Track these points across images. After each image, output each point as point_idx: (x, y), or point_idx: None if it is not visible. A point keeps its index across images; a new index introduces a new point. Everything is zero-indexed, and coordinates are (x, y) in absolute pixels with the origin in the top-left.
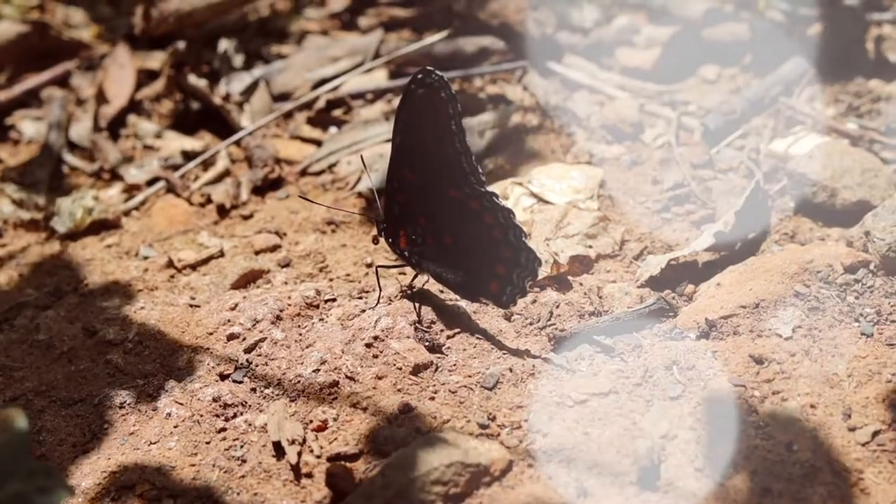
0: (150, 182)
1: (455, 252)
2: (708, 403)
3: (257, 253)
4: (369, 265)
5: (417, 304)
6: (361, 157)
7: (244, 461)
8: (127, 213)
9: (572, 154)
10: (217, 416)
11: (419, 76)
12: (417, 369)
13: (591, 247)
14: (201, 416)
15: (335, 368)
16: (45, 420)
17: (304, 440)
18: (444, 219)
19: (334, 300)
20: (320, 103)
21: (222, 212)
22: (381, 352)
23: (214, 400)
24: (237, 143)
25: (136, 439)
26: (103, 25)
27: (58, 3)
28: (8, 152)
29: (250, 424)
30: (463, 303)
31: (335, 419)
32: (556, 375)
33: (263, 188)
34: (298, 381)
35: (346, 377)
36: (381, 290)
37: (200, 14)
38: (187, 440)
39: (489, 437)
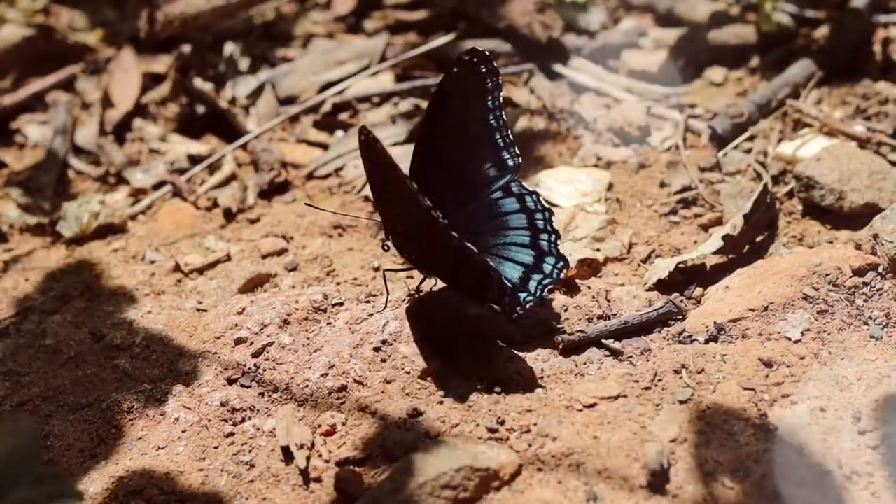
0: (157, 186)
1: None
2: (717, 407)
3: (264, 257)
4: (376, 269)
5: None
6: None
7: (253, 466)
8: (133, 218)
9: (579, 157)
10: (225, 420)
11: (466, 58)
12: (426, 373)
13: (598, 250)
14: (209, 420)
15: (343, 373)
16: (53, 425)
17: (313, 445)
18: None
19: (342, 304)
20: (326, 107)
21: (229, 216)
22: (390, 356)
23: (222, 404)
24: (243, 146)
25: (143, 444)
26: (108, 29)
27: (63, 7)
28: (13, 157)
29: (258, 429)
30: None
31: (344, 424)
32: (564, 379)
33: (270, 192)
34: (307, 386)
35: (355, 381)
36: (388, 293)
37: (206, 17)
38: (195, 445)
39: (498, 441)
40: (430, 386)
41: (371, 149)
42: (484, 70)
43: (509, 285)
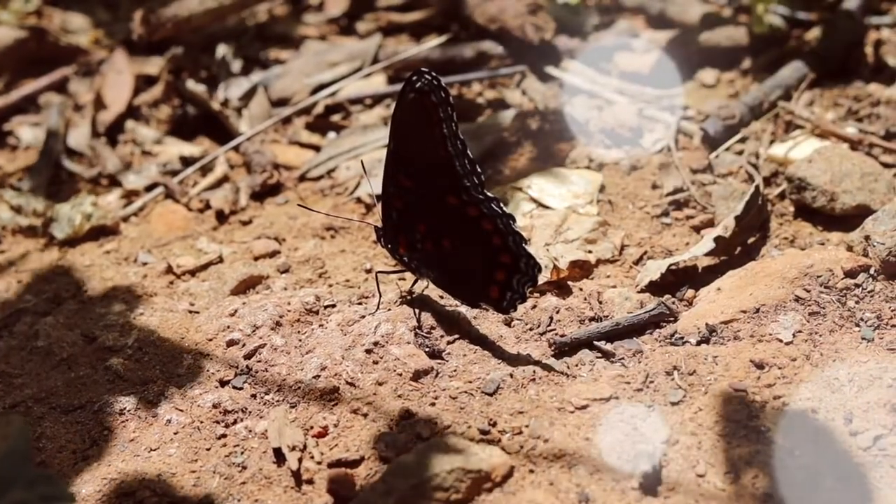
0: (149, 188)
1: (454, 257)
2: (709, 409)
3: (256, 259)
4: (369, 271)
5: (417, 310)
6: (362, 162)
7: (245, 468)
8: (126, 219)
9: (571, 159)
10: (217, 422)
11: (412, 79)
12: (418, 375)
13: (590, 252)
14: (201, 422)
15: (335, 374)
16: (45, 427)
17: (305, 446)
18: (442, 224)
19: (334, 306)
20: (319, 108)
21: (221, 217)
22: (382, 357)
23: (214, 406)
24: (236, 148)
25: (136, 446)
26: (101, 31)
27: (55, 9)
28: (6, 158)
29: (251, 431)
30: (463, 308)
31: (336, 425)
32: (556, 381)
33: (262, 194)
34: (299, 387)
35: (347, 383)
36: (380, 295)
37: (198, 19)
38: (187, 447)
39: (490, 442)
40: (421, 387)
41: (425, 107)
42: (434, 100)
43: (537, 262)
